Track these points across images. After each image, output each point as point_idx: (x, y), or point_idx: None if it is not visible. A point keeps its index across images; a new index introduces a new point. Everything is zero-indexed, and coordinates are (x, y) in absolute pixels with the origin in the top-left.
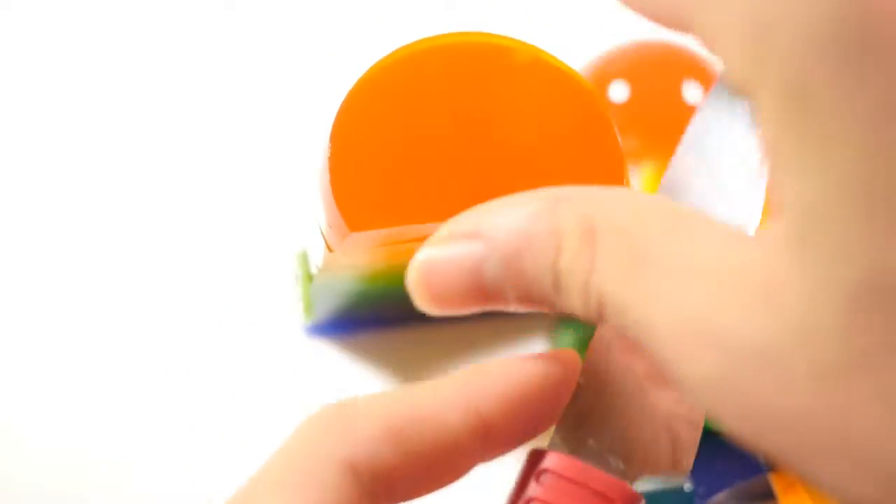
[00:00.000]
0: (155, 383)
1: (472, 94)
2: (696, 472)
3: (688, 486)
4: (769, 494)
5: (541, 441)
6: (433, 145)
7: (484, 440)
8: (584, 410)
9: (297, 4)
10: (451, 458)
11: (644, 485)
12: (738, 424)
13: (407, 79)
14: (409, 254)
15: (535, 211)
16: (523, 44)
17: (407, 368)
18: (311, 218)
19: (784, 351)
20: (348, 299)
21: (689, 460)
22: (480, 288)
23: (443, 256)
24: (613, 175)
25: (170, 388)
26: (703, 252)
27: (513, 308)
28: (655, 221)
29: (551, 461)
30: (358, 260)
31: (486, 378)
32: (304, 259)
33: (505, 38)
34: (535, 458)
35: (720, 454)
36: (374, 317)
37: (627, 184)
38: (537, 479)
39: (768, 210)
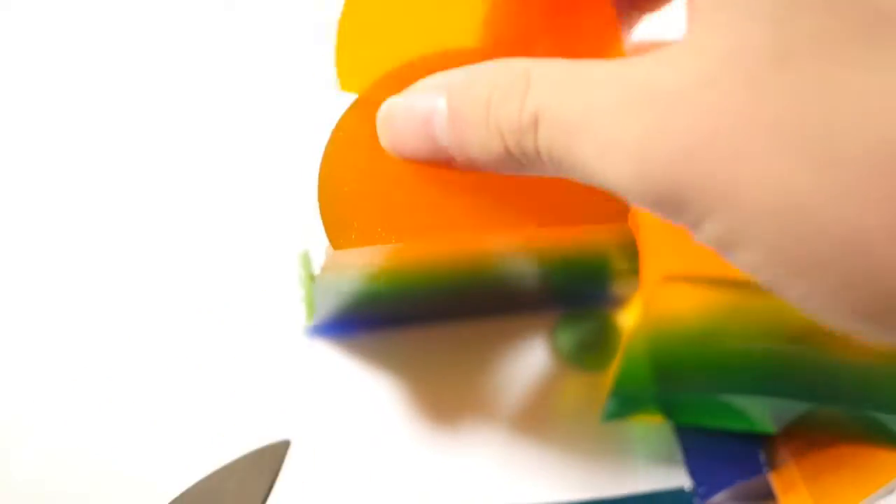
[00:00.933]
0: (156, 383)
1: None
2: (696, 472)
3: (688, 486)
4: (769, 494)
5: None
6: (426, 165)
7: None
8: None
9: (299, 5)
10: None
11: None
12: (663, 175)
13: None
14: (409, 255)
15: (479, 67)
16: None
17: (407, 368)
18: (313, 219)
19: (710, 78)
20: (350, 300)
21: None
22: (430, 138)
23: (404, 103)
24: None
25: (171, 388)
26: (619, 62)
27: (459, 163)
28: (582, 63)
29: None
30: (359, 261)
31: None
32: (306, 260)
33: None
34: None
35: (720, 454)
36: (375, 317)
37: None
38: None
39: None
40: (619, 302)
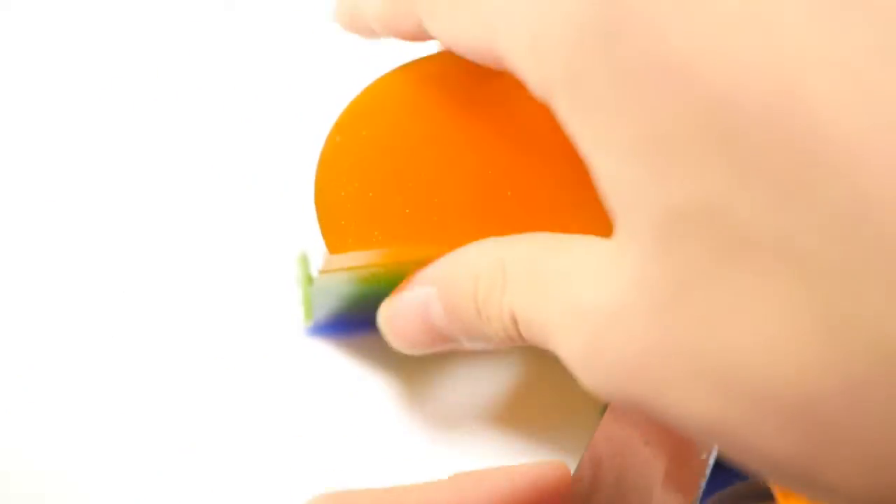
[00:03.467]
0: (154, 384)
1: (464, 116)
2: None
3: None
4: (769, 494)
5: None
6: (422, 170)
7: None
8: None
9: (299, 5)
10: None
11: None
12: (606, 386)
13: (398, 100)
14: (409, 256)
15: (460, 258)
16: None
17: (407, 369)
18: (311, 220)
19: (627, 304)
20: (348, 301)
21: None
22: (433, 329)
23: (400, 303)
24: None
25: (169, 388)
26: (572, 258)
27: (468, 346)
28: (545, 248)
29: None
30: (356, 263)
31: (478, 484)
32: (305, 261)
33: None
34: None
35: (720, 454)
36: (375, 318)
37: None
38: None
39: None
40: None
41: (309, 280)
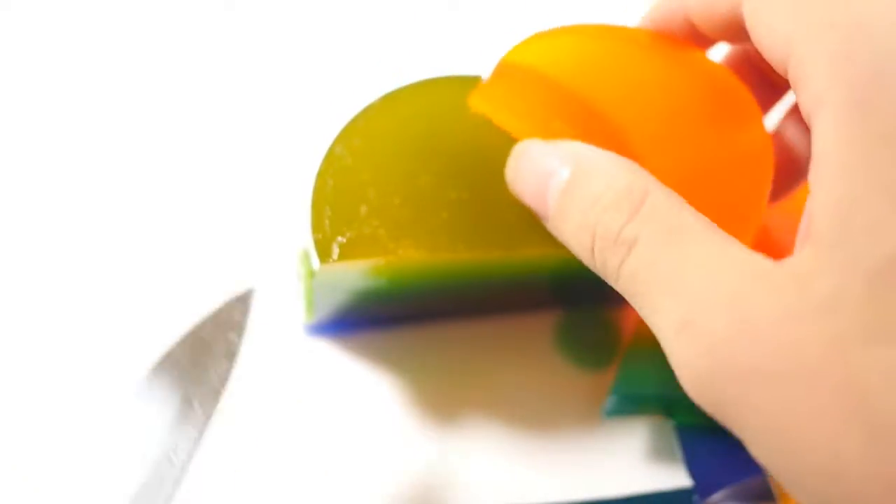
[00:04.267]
0: None
1: (459, 131)
2: (696, 472)
3: (687, 486)
4: (769, 494)
5: None
6: (417, 183)
7: None
8: None
9: (299, 5)
10: None
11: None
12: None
13: (395, 116)
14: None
15: (609, 160)
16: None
17: (407, 368)
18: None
19: (805, 322)
20: (349, 298)
21: None
22: (542, 194)
23: (537, 153)
24: None
25: None
26: (732, 261)
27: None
28: (697, 222)
29: None
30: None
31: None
32: (307, 256)
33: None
34: None
35: (720, 453)
36: (375, 316)
37: None
38: None
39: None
40: (620, 301)
41: (311, 274)
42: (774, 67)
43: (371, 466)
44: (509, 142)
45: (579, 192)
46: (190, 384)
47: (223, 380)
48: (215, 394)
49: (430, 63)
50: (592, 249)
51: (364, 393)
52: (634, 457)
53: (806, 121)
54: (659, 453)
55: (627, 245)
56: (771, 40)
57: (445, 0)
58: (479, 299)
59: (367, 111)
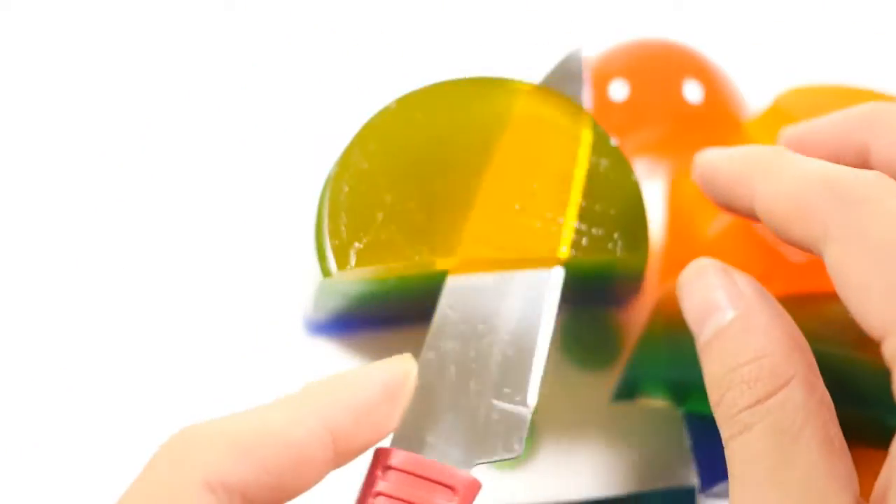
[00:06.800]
0: (155, 383)
1: (474, 135)
2: (702, 461)
3: (692, 482)
4: None
5: (385, 442)
6: (433, 188)
7: (333, 449)
8: (421, 409)
9: (299, 5)
10: (302, 468)
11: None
12: None
13: (410, 120)
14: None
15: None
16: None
17: None
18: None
19: None
20: (351, 299)
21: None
22: (699, 326)
23: (709, 279)
24: None
25: (169, 387)
26: None
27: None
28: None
29: (395, 458)
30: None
31: (332, 389)
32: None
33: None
34: (380, 456)
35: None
36: (375, 317)
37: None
38: (383, 475)
39: None
40: (624, 301)
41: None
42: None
43: None
44: (525, 145)
45: (730, 346)
46: None
47: None
48: None
49: (445, 66)
50: (717, 404)
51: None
52: (637, 457)
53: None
54: (662, 454)
55: (743, 426)
56: (864, 312)
57: (458, 3)
58: None
59: (383, 115)
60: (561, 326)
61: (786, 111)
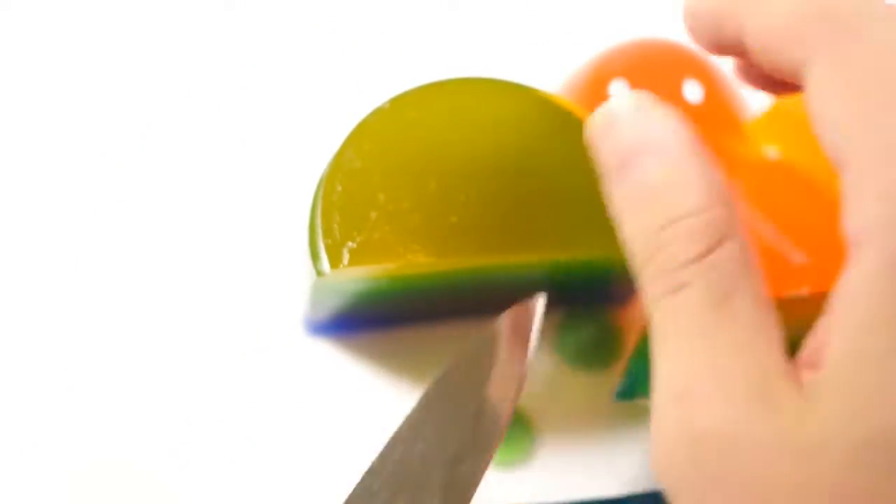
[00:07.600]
0: (154, 383)
1: (468, 135)
2: None
3: None
4: None
5: None
6: (427, 188)
7: None
8: None
9: (300, 5)
10: None
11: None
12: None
13: (404, 120)
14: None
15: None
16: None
17: (407, 368)
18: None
19: (789, 459)
20: (346, 299)
21: None
22: (611, 169)
23: (626, 118)
24: None
25: (169, 387)
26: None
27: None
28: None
29: None
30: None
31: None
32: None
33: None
34: None
35: None
36: (375, 317)
37: None
38: None
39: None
40: (623, 301)
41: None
42: (824, 149)
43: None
44: (520, 145)
45: (662, 200)
46: None
47: None
48: None
49: (439, 66)
50: (648, 260)
51: (364, 393)
52: (637, 457)
53: (842, 232)
54: None
55: (679, 283)
56: (831, 140)
57: (455, 2)
58: (481, 300)
59: (376, 115)
60: (559, 326)
61: (786, 111)
